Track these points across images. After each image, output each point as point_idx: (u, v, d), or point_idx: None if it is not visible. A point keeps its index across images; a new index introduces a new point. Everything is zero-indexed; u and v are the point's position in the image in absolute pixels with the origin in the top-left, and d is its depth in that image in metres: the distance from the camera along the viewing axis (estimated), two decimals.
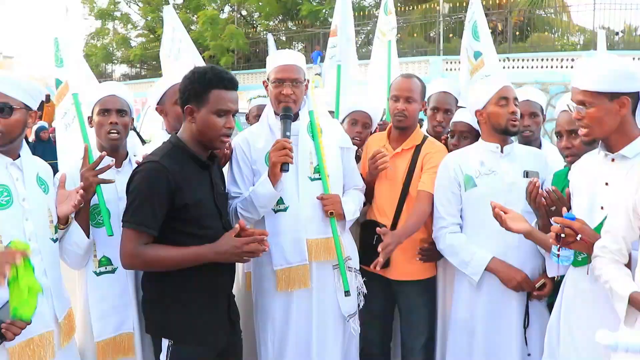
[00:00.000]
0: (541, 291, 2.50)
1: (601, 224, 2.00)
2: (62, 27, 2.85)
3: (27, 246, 1.80)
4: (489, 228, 2.54)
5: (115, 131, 2.40)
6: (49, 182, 2.22)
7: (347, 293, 2.60)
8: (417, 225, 2.74)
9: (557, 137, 2.65)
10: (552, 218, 2.07)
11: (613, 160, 2.08)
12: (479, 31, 3.76)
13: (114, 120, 2.40)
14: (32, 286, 1.75)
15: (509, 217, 2.30)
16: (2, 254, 1.73)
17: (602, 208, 2.06)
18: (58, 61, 2.96)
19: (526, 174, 2.48)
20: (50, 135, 11.74)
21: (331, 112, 3.42)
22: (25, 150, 2.14)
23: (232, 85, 2.18)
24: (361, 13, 15.91)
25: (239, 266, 2.73)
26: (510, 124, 2.59)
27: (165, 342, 2.18)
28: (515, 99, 2.63)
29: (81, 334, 2.45)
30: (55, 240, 2.17)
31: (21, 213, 2.01)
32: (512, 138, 2.72)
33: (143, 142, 3.25)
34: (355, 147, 3.02)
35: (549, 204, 2.32)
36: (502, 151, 2.64)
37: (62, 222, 2.26)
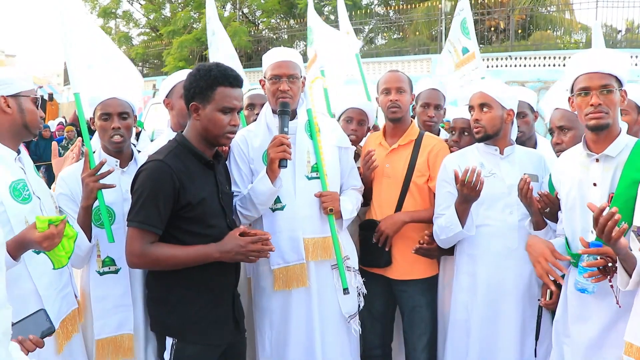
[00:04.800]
0: (551, 300, 2.47)
1: None
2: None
3: (60, 218, 1.85)
4: (489, 230, 2.56)
5: (118, 135, 2.41)
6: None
7: (345, 291, 2.59)
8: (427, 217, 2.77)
9: (550, 134, 2.69)
10: (582, 250, 1.97)
11: (597, 160, 2.10)
12: (468, 27, 3.75)
13: (116, 125, 2.41)
14: (68, 236, 1.87)
15: None
16: (51, 235, 1.80)
17: None
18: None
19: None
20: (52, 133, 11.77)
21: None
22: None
23: (237, 82, 2.19)
24: (363, 11, 15.85)
25: (241, 271, 2.73)
26: (474, 131, 2.62)
27: (169, 341, 2.19)
28: (482, 104, 2.57)
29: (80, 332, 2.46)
30: None
31: (38, 205, 2.11)
32: (513, 139, 2.71)
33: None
34: (354, 147, 3.01)
35: (543, 206, 2.36)
36: (502, 153, 2.64)
37: None
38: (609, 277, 1.92)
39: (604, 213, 1.79)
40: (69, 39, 2.56)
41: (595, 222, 1.83)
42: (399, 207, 2.86)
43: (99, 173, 2.31)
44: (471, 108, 2.64)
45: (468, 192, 2.44)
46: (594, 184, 2.10)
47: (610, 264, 1.89)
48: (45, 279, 2.07)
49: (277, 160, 2.39)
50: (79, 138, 2.44)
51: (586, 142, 2.15)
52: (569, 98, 2.17)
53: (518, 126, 2.91)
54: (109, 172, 2.33)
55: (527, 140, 2.99)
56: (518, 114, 2.92)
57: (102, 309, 2.40)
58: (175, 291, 2.20)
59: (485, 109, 2.57)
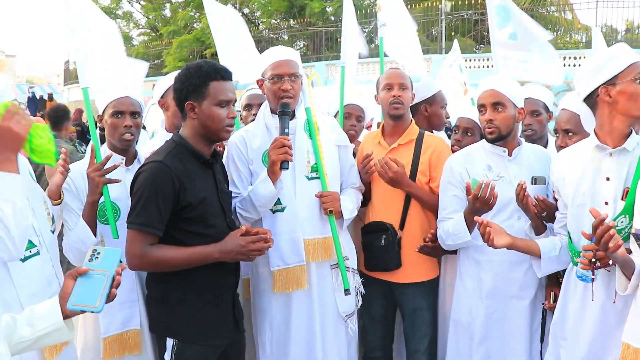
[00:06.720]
0: (555, 303, 2.43)
1: (615, 219, 1.99)
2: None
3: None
4: None
5: (129, 133, 2.42)
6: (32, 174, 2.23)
7: (347, 292, 2.58)
8: (431, 203, 2.74)
9: (555, 134, 2.65)
10: (582, 247, 1.97)
11: (611, 154, 2.08)
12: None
13: (128, 124, 2.41)
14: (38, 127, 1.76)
15: (493, 232, 2.24)
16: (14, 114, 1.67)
17: (606, 204, 2.06)
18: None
19: (534, 181, 2.43)
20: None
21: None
22: None
23: (228, 75, 2.20)
24: (362, 12, 15.86)
25: None
26: (485, 132, 2.52)
27: (169, 342, 2.18)
28: (496, 104, 2.45)
29: (90, 330, 2.47)
30: (52, 232, 2.19)
31: (28, 209, 2.03)
32: (521, 139, 2.62)
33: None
34: (353, 145, 2.98)
35: (539, 211, 2.34)
36: (510, 154, 2.53)
37: (55, 198, 2.32)
38: (592, 270, 1.92)
39: (605, 222, 1.79)
40: (84, 34, 2.54)
41: (594, 230, 1.79)
42: (405, 208, 2.80)
43: (104, 168, 2.31)
44: (481, 107, 2.51)
45: (481, 206, 2.37)
46: (607, 179, 2.07)
47: (593, 260, 1.91)
48: (27, 289, 1.95)
49: (278, 162, 2.36)
50: (64, 150, 2.40)
51: (597, 135, 2.11)
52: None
53: (530, 124, 2.86)
54: (114, 167, 2.33)
55: (538, 139, 2.91)
56: (532, 112, 2.85)
57: (108, 306, 2.38)
58: (174, 292, 2.19)
59: (499, 109, 2.45)
